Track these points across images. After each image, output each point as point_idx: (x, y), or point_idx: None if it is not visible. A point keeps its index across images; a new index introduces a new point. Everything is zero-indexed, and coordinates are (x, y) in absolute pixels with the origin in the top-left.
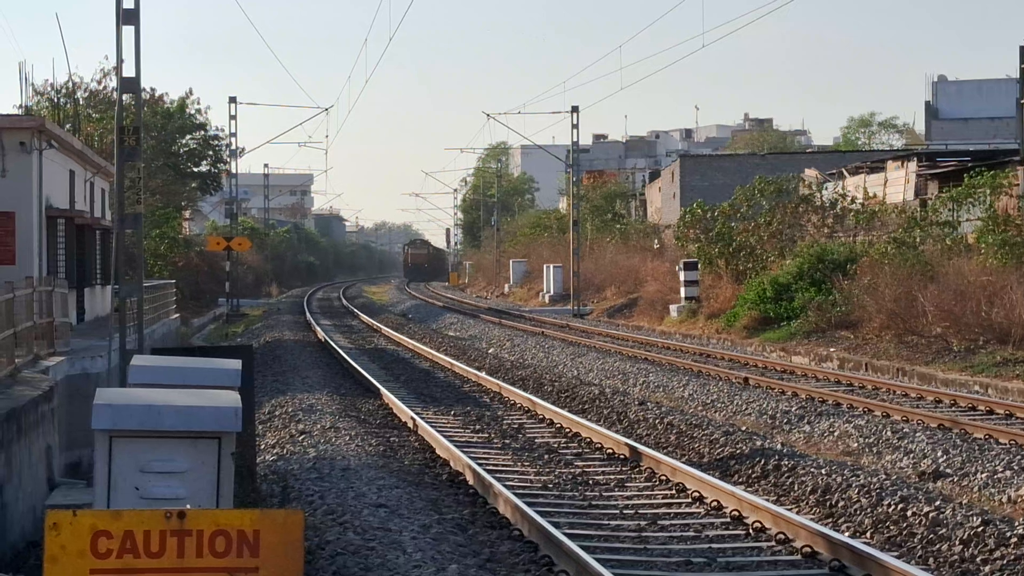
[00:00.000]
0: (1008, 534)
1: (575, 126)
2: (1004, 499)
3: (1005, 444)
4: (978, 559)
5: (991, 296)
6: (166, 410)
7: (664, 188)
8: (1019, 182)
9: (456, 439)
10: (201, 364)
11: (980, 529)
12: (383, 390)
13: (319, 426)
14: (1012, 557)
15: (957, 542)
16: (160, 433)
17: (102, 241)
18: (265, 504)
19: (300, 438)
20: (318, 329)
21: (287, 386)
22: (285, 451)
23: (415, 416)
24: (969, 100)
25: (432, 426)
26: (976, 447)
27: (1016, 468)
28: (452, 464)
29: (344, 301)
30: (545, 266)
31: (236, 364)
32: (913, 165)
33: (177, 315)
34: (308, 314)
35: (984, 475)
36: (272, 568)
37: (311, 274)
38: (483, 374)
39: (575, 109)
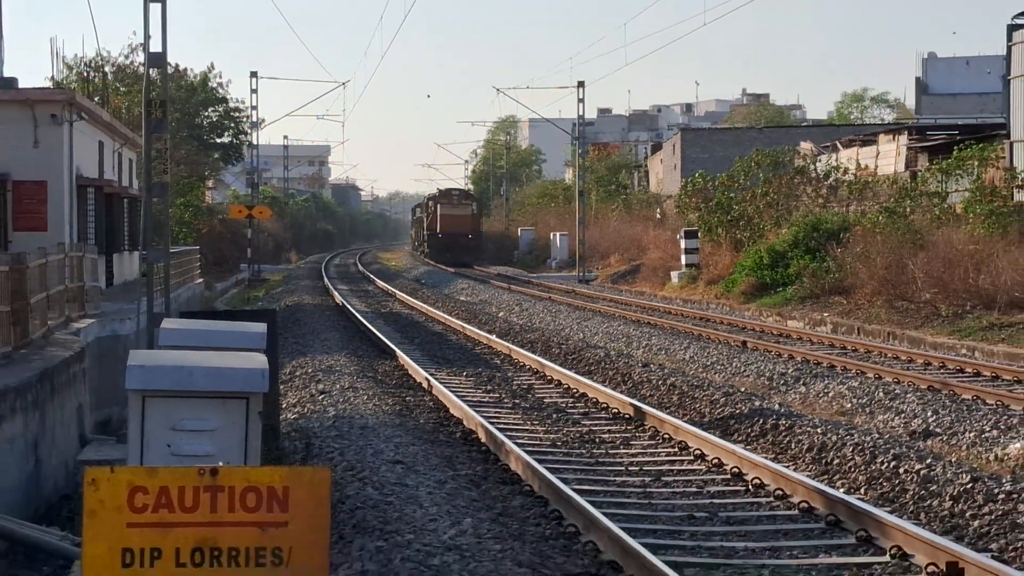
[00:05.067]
0: (996, 490)
1: (581, 100)
2: (992, 457)
3: (992, 404)
4: (967, 514)
5: (978, 264)
6: (197, 371)
7: (666, 160)
8: (1005, 155)
9: (469, 399)
10: (228, 327)
11: (969, 486)
12: (399, 352)
13: (338, 386)
14: (1000, 513)
15: (947, 498)
16: (191, 393)
17: (130, 209)
18: (288, 460)
19: (320, 398)
20: (335, 294)
21: (307, 348)
22: (306, 410)
23: (429, 377)
24: (958, 76)
25: (446, 386)
26: (964, 407)
27: (1003, 427)
28: (465, 423)
29: (360, 267)
30: (552, 234)
31: (261, 327)
32: (904, 138)
33: (201, 280)
34: (326, 279)
35: (972, 434)
36: (301, 522)
37: (328, 241)
38: (494, 337)
39: (581, 84)
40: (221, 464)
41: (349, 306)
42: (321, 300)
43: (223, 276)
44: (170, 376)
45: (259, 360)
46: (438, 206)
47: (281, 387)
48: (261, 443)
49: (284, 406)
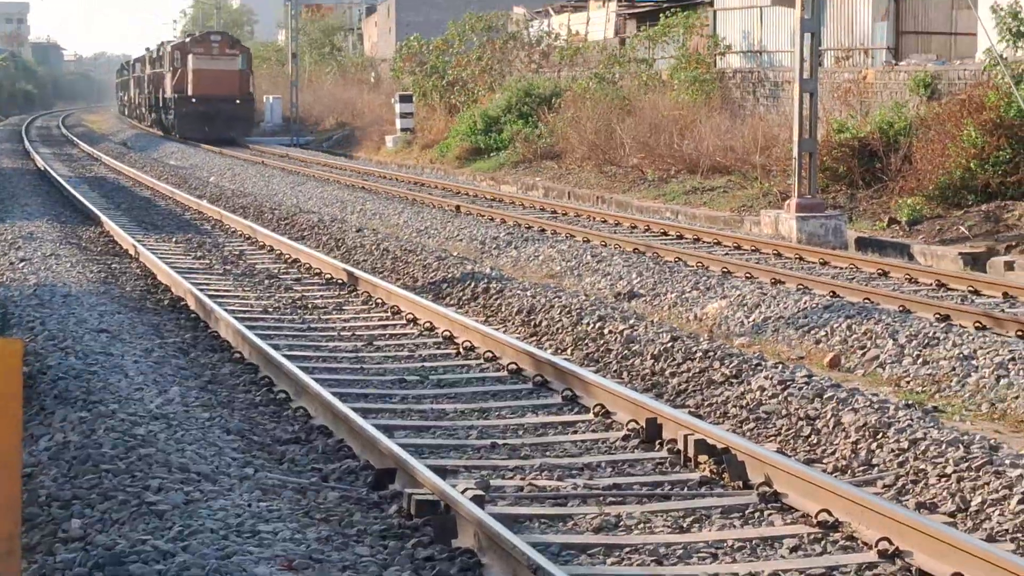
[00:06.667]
0: (694, 349)
1: None
2: (691, 316)
3: (692, 266)
4: (667, 372)
5: (682, 129)
6: None
7: (380, 23)
8: (709, 23)
9: (178, 266)
10: None
11: (669, 345)
12: (104, 218)
13: (39, 253)
14: (697, 370)
15: (649, 357)
16: None
17: None
18: None
19: (20, 265)
20: (37, 157)
21: (6, 214)
22: (5, 278)
23: (136, 244)
24: None
25: (154, 253)
26: (667, 269)
27: (702, 288)
28: (174, 290)
29: (63, 130)
30: (264, 97)
31: None
32: (613, 5)
33: None
34: (26, 142)
35: (673, 295)
36: None
37: (29, 103)
38: (204, 202)
39: None
40: None
41: (51, 170)
42: (21, 164)
43: None
44: None
45: None
46: (190, 58)
47: None
48: None
49: None
